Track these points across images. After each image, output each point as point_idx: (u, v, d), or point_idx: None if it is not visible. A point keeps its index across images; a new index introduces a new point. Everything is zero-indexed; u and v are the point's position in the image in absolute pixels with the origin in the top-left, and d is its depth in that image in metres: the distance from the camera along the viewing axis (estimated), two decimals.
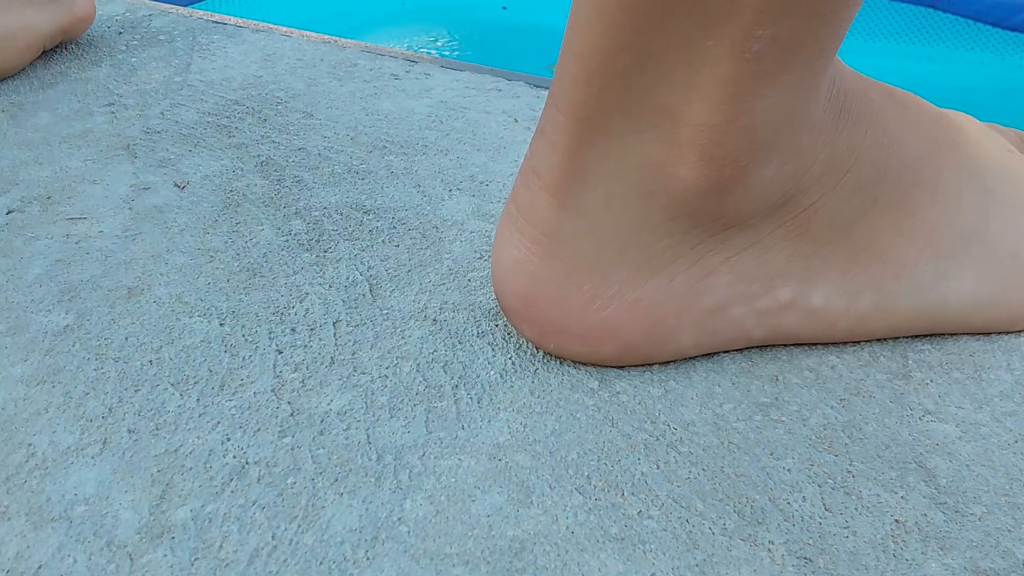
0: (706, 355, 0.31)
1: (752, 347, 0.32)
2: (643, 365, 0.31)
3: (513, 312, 0.30)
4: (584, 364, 0.31)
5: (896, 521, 0.25)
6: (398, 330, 0.33)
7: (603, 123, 0.26)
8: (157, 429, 0.29)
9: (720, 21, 0.23)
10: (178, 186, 0.43)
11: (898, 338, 0.32)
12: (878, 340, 0.32)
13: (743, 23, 0.23)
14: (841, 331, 0.31)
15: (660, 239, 0.28)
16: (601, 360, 0.30)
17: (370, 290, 0.35)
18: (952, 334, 0.32)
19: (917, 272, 0.30)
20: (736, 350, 0.31)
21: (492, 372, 0.31)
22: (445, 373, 0.31)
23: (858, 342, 0.32)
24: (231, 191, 0.42)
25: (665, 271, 0.28)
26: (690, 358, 0.31)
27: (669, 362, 0.31)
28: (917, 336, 0.32)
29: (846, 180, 0.28)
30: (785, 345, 0.32)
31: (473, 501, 0.26)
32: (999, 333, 0.32)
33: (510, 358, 0.31)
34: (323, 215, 0.40)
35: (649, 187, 0.27)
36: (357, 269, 0.36)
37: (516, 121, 0.49)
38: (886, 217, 0.29)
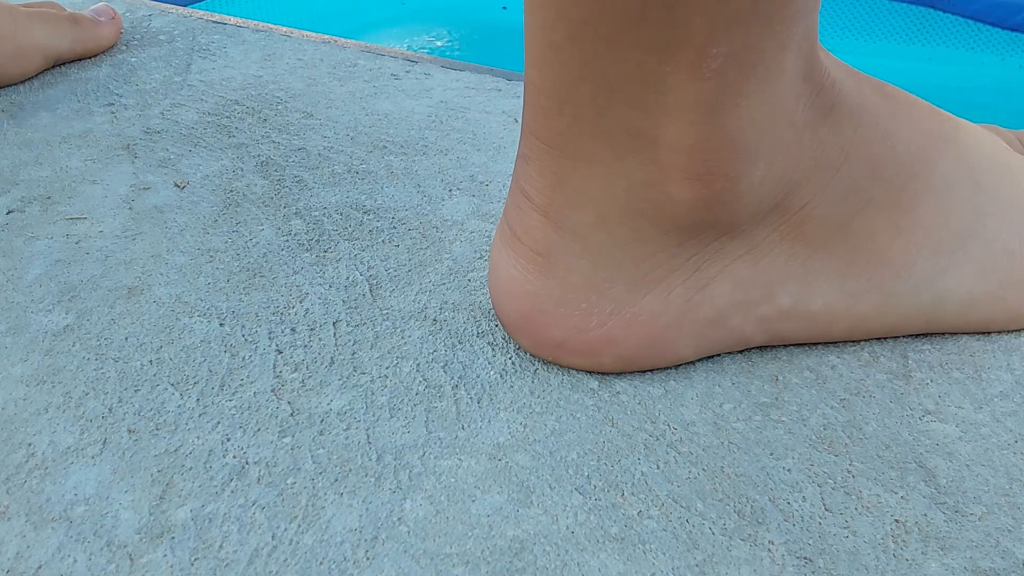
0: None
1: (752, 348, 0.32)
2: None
3: (512, 327, 0.30)
4: None
5: (896, 521, 0.25)
6: (398, 330, 0.33)
7: (583, 149, 0.26)
8: (157, 429, 0.29)
9: (671, 48, 0.23)
10: (178, 186, 0.43)
11: (898, 338, 0.32)
12: (878, 340, 0.32)
13: (696, 45, 0.23)
14: (840, 332, 0.31)
15: (654, 253, 0.28)
16: (601, 369, 0.30)
17: (370, 290, 0.35)
18: (952, 334, 0.32)
19: (916, 270, 0.30)
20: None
21: (492, 372, 0.31)
22: (445, 373, 0.31)
23: (858, 342, 0.32)
24: (231, 191, 0.42)
25: (662, 284, 0.28)
26: None
27: None
28: (917, 336, 0.32)
29: (838, 178, 0.28)
30: (785, 344, 0.32)
31: (473, 501, 0.26)
32: (998, 332, 0.32)
33: (510, 358, 0.31)
34: (323, 215, 0.40)
35: (639, 206, 0.27)
36: (357, 269, 0.36)
37: (516, 121, 0.49)
38: (882, 215, 0.29)
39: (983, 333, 0.32)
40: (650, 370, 0.31)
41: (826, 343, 0.32)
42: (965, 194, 0.30)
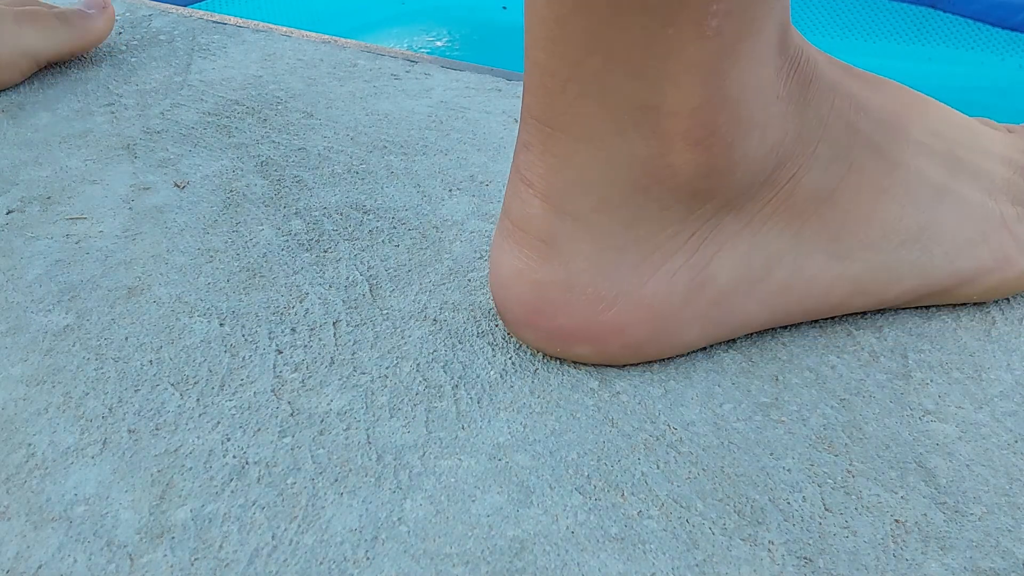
0: (706, 355, 0.31)
1: (752, 334, 0.32)
2: (646, 363, 0.31)
3: (517, 322, 0.30)
4: (585, 364, 0.31)
5: (896, 521, 0.25)
6: (398, 330, 0.33)
7: (586, 128, 0.26)
8: (157, 429, 0.29)
9: (675, 7, 0.24)
10: (178, 186, 0.43)
11: (898, 338, 0.32)
12: (877, 339, 0.32)
13: (698, 4, 0.24)
14: (838, 298, 0.31)
15: (656, 233, 0.28)
16: (608, 360, 0.30)
17: (370, 290, 0.35)
18: (951, 334, 0.32)
19: (902, 227, 0.31)
20: (736, 350, 0.31)
21: (492, 372, 0.31)
22: (445, 373, 0.31)
23: (858, 341, 0.32)
24: (231, 191, 0.42)
25: (665, 266, 0.29)
26: (691, 358, 0.31)
27: (669, 362, 0.31)
28: (917, 336, 0.32)
29: (820, 148, 0.29)
30: (785, 344, 0.32)
31: (473, 501, 0.26)
32: (990, 292, 0.33)
33: (510, 358, 0.31)
34: (323, 215, 0.40)
35: (642, 183, 0.27)
36: (357, 269, 0.36)
37: (516, 121, 0.49)
38: (866, 178, 0.30)
39: (978, 307, 0.32)
40: (650, 365, 0.31)
41: (826, 338, 0.32)
42: (939, 154, 0.32)
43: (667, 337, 0.30)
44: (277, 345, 0.32)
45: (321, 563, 0.24)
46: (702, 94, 0.25)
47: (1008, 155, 0.34)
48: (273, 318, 0.34)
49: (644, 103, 0.26)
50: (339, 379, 0.31)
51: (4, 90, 0.53)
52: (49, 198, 0.42)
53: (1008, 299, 0.34)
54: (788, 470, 0.27)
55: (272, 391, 0.30)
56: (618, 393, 0.30)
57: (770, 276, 0.30)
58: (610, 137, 0.26)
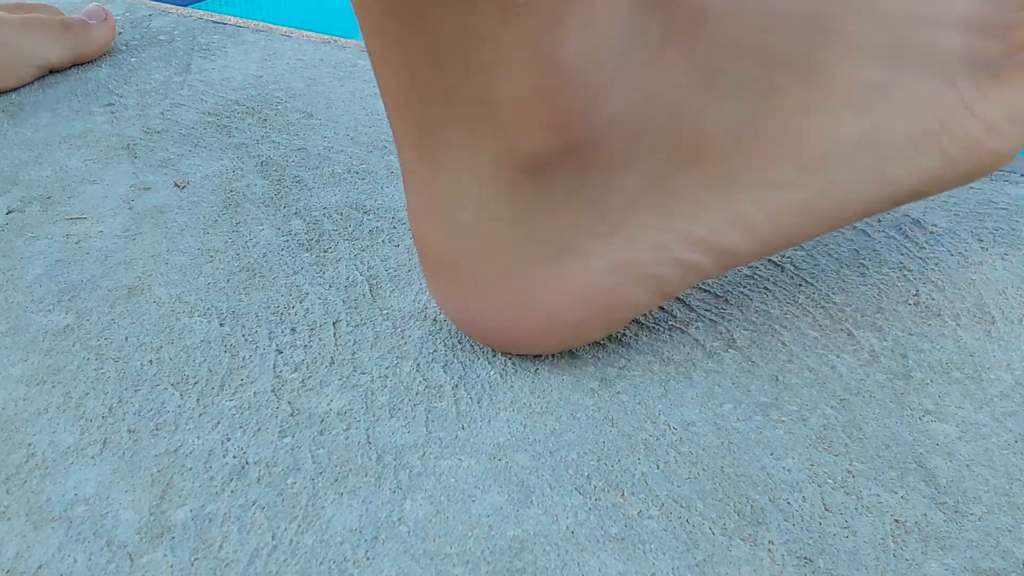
0: (706, 355, 0.31)
1: (752, 334, 0.31)
2: (642, 358, 0.31)
3: (487, 343, 0.31)
4: (584, 364, 0.31)
5: (896, 521, 0.25)
6: (398, 330, 0.33)
7: (437, 139, 0.26)
8: (157, 429, 0.29)
9: None
10: (178, 186, 0.43)
11: (898, 338, 0.32)
12: (877, 339, 0.32)
13: None
14: (787, 229, 0.28)
15: (549, 221, 0.27)
16: (573, 345, 0.30)
17: (370, 290, 0.35)
18: (950, 331, 0.32)
19: (842, 139, 0.28)
20: (736, 350, 0.31)
21: (492, 372, 0.31)
22: (445, 373, 0.31)
23: (857, 341, 0.32)
24: (231, 191, 0.42)
25: (576, 251, 0.27)
26: (690, 357, 0.31)
27: (669, 362, 0.31)
28: (917, 336, 0.32)
29: (722, 81, 0.26)
30: (785, 344, 0.32)
31: (473, 501, 0.26)
32: (959, 173, 0.30)
33: (510, 358, 0.31)
34: (323, 215, 0.40)
35: (511, 179, 0.26)
36: (357, 269, 0.36)
37: None
38: (790, 98, 0.27)
39: (978, 307, 0.32)
40: (655, 361, 0.31)
41: (826, 338, 0.32)
42: (879, 46, 0.28)
43: (610, 311, 0.29)
44: (277, 345, 0.32)
45: (321, 563, 0.24)
46: (536, 74, 0.24)
47: (968, 13, 0.29)
48: (273, 318, 0.34)
49: (480, 98, 0.24)
50: (339, 379, 0.31)
51: (3, 93, 0.54)
52: (49, 198, 0.42)
53: (1008, 298, 0.34)
54: (788, 470, 0.27)
55: (272, 391, 0.30)
56: (618, 393, 0.30)
57: (697, 225, 0.28)
58: (463, 141, 0.26)
